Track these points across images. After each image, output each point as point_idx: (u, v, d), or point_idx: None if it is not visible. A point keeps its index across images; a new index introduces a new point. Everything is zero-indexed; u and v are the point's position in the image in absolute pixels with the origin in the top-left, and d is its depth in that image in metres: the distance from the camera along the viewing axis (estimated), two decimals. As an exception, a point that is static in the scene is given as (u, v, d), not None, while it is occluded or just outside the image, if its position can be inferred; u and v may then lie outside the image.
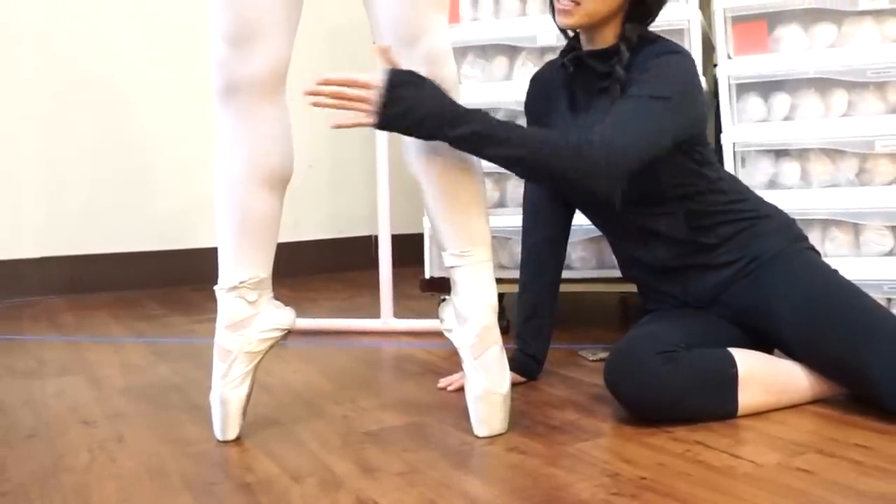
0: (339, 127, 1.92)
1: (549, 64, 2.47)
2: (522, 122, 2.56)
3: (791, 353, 2.20)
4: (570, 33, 2.36)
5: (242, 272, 2.00)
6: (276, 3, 1.93)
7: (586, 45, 2.29)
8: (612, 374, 2.06)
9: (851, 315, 2.06)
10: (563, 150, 1.95)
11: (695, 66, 2.18)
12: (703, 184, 2.24)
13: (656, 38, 2.23)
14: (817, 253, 2.30)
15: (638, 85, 2.10)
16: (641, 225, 2.29)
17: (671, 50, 2.16)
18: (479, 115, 1.92)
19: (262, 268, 2.03)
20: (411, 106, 1.87)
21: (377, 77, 1.88)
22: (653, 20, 2.26)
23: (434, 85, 1.92)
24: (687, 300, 2.32)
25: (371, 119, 1.88)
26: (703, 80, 2.94)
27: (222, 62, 1.94)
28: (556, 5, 2.21)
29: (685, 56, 2.17)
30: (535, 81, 2.49)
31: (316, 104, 1.90)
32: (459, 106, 1.91)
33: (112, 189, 4.80)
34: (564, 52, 2.37)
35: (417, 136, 1.93)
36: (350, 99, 1.89)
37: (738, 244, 2.24)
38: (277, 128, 2.01)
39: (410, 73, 1.91)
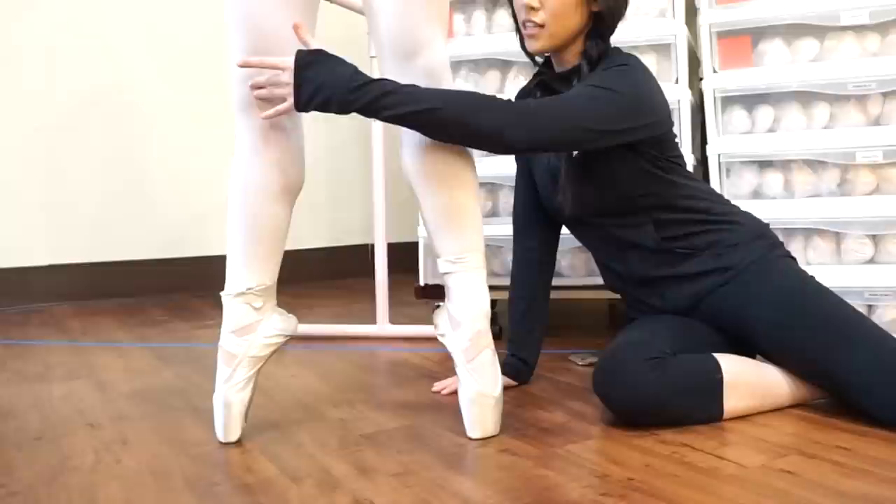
0: (267, 118, 1.93)
1: (533, 81, 2.47)
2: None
3: (771, 359, 2.21)
4: (540, 59, 2.38)
5: (250, 279, 2.01)
6: (293, 20, 1.94)
7: (556, 68, 2.32)
8: (601, 380, 2.06)
9: (828, 321, 2.06)
10: (489, 103, 1.96)
11: (647, 74, 2.17)
12: (672, 192, 2.24)
13: (611, 54, 2.24)
14: (794, 259, 2.30)
15: (586, 81, 2.12)
16: (615, 236, 2.30)
17: (621, 62, 2.17)
18: (386, 81, 1.91)
19: (269, 276, 2.04)
20: (320, 84, 1.88)
21: (287, 60, 1.89)
22: (612, 33, 2.28)
23: (340, 60, 1.92)
24: (666, 309, 2.32)
25: (289, 103, 1.90)
26: (688, 92, 2.96)
27: (243, 77, 1.95)
28: (524, 32, 2.23)
29: (633, 66, 2.16)
30: (522, 99, 2.48)
31: (256, 96, 1.94)
32: (365, 76, 1.90)
33: (117, 200, 4.80)
34: (535, 76, 2.38)
35: (336, 112, 1.91)
36: (272, 85, 1.91)
37: (712, 254, 2.24)
38: (293, 141, 2.03)
39: (317, 53, 1.91)
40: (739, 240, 2.24)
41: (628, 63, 2.16)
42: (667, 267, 2.27)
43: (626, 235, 2.28)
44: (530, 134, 1.97)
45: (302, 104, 1.89)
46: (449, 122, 1.92)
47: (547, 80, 2.32)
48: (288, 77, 1.88)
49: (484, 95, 1.98)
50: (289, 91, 1.89)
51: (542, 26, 2.18)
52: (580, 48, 2.25)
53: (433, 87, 1.97)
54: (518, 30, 2.31)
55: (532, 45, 2.23)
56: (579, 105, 2.04)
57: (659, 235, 2.25)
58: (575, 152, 2.22)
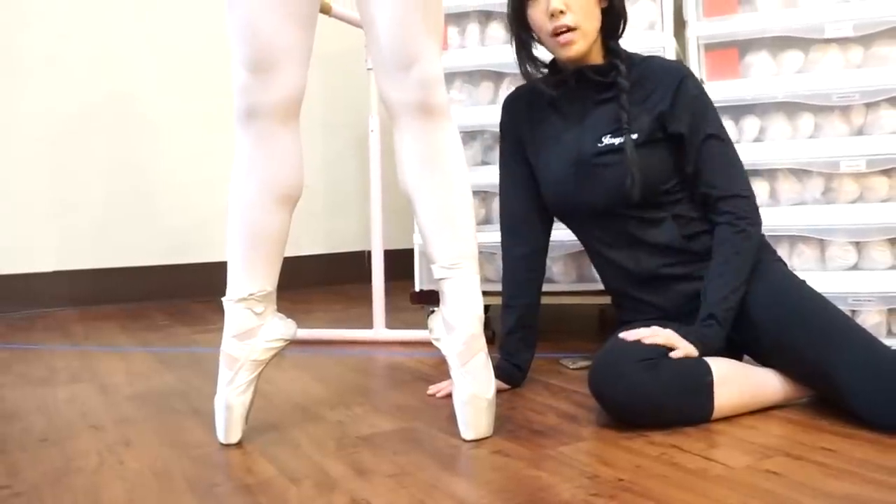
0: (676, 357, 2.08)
1: (522, 88, 2.51)
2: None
3: (763, 358, 2.22)
4: (538, 70, 2.43)
5: (252, 285, 2.01)
6: (293, 34, 1.95)
7: (574, 65, 2.35)
8: (596, 380, 2.07)
9: (822, 324, 2.07)
10: (752, 244, 2.23)
11: None
12: (688, 190, 2.30)
13: (648, 55, 2.37)
14: (785, 265, 2.31)
15: (700, 123, 2.28)
16: (631, 233, 2.32)
17: (687, 70, 2.32)
18: (721, 308, 2.16)
19: (270, 281, 2.05)
20: (710, 343, 2.14)
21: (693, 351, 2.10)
22: (623, 32, 2.37)
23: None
24: (666, 309, 2.33)
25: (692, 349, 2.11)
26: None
27: (244, 88, 1.95)
28: (556, 40, 2.25)
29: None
30: (513, 105, 2.52)
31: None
32: (723, 298, 2.16)
33: (120, 207, 4.81)
34: (553, 73, 2.42)
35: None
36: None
37: None
38: (292, 150, 2.02)
39: (705, 333, 2.15)
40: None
41: (691, 73, 2.32)
42: (679, 266, 2.29)
43: (642, 232, 2.30)
44: (752, 203, 2.29)
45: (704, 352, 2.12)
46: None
47: (584, 69, 2.34)
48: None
49: (739, 245, 2.22)
50: (689, 347, 2.10)
51: (574, 29, 2.22)
52: (600, 51, 2.34)
53: (426, 97, 1.99)
54: (523, 57, 2.40)
55: (569, 51, 2.26)
56: (734, 151, 2.32)
57: (679, 233, 2.26)
58: (635, 136, 2.26)
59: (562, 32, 2.23)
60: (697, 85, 2.29)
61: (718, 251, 2.22)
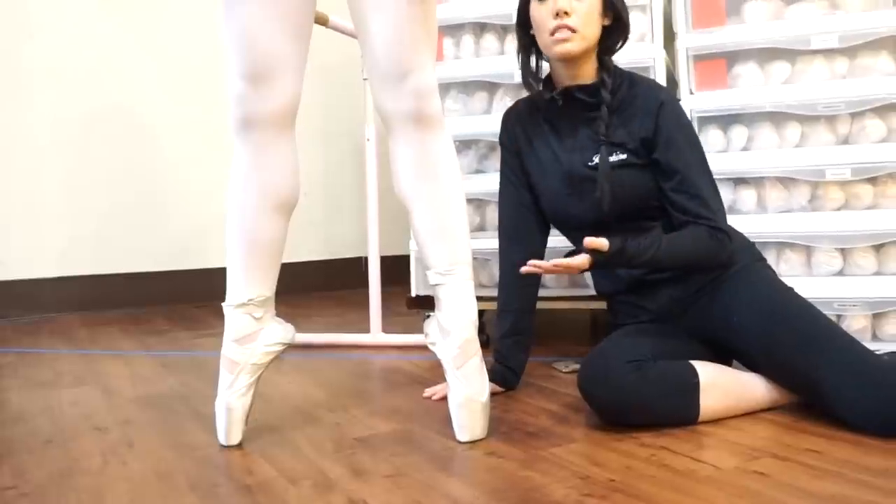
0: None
1: (522, 101, 2.52)
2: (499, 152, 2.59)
3: (750, 363, 2.22)
4: (537, 84, 2.42)
5: (251, 290, 2.01)
6: (289, 44, 1.95)
7: (566, 82, 2.35)
8: (586, 380, 2.07)
9: (807, 328, 2.06)
10: (709, 248, 2.20)
11: None
12: None
13: (638, 76, 2.35)
14: (773, 272, 2.32)
15: (677, 144, 2.25)
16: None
17: (669, 96, 2.30)
18: (649, 247, 2.15)
19: (268, 287, 2.05)
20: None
21: (585, 262, 2.10)
22: (622, 46, 2.38)
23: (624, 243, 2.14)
24: (658, 313, 2.33)
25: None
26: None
27: (240, 98, 1.95)
28: (554, 37, 2.25)
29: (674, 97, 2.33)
30: (512, 117, 2.52)
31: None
32: (640, 247, 2.13)
33: (123, 215, 4.81)
34: (545, 89, 2.41)
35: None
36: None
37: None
38: (288, 159, 2.03)
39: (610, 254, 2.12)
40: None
41: (672, 96, 2.32)
42: (666, 271, 2.29)
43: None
44: (723, 226, 2.23)
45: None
46: (696, 269, 2.26)
47: (572, 89, 2.34)
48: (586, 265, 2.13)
49: (697, 242, 2.20)
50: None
51: (574, 31, 2.23)
52: (595, 65, 2.34)
53: (421, 107, 1.99)
54: (524, 57, 2.43)
55: (564, 48, 2.25)
56: (707, 173, 2.29)
57: None
58: (625, 156, 2.28)
59: (562, 30, 2.24)
60: (674, 112, 2.27)
61: (681, 232, 2.23)
